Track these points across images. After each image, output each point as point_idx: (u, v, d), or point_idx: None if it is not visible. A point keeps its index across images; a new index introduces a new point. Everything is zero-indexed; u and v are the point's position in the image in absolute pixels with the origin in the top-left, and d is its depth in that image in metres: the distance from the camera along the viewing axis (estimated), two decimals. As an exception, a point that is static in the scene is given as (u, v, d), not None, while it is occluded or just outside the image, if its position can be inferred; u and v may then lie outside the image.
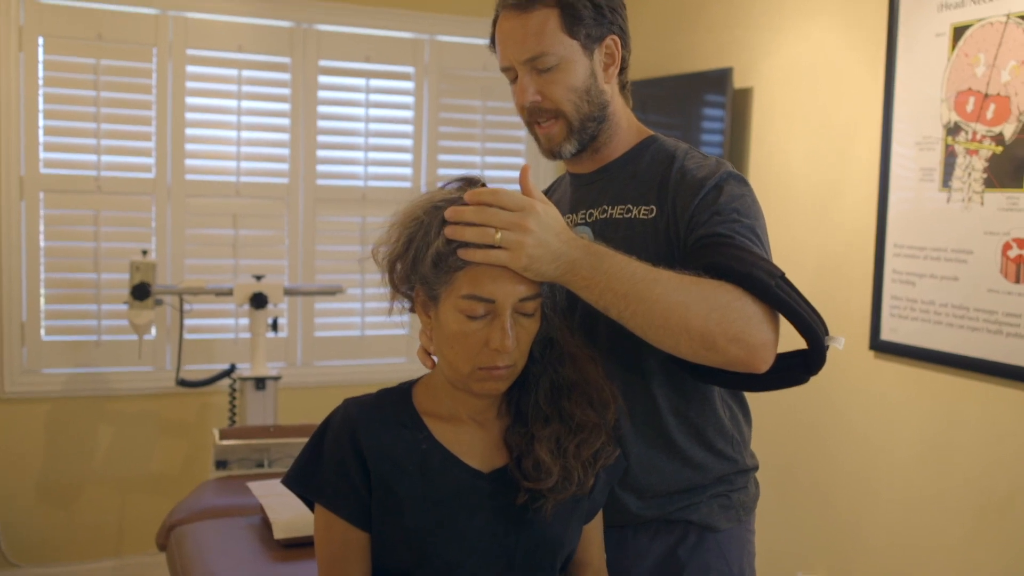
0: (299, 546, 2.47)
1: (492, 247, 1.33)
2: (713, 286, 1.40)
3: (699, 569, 1.63)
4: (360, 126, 4.26)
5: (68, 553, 3.88)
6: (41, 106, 3.75)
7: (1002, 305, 2.63)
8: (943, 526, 2.83)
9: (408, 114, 4.32)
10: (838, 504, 3.20)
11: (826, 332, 1.44)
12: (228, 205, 4.04)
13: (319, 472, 1.42)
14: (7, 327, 3.73)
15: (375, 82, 4.26)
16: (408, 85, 4.31)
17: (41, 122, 3.76)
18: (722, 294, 1.39)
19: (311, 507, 1.47)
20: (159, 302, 3.64)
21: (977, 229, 2.70)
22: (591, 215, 1.66)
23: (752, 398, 1.75)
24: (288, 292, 3.76)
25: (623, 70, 1.67)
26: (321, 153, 4.18)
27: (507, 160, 4.51)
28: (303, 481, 1.45)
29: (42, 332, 3.82)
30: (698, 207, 1.52)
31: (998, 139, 2.64)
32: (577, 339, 1.50)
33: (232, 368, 3.75)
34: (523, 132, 4.43)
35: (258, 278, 3.63)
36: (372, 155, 4.28)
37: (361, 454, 1.40)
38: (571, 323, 1.55)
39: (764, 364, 1.41)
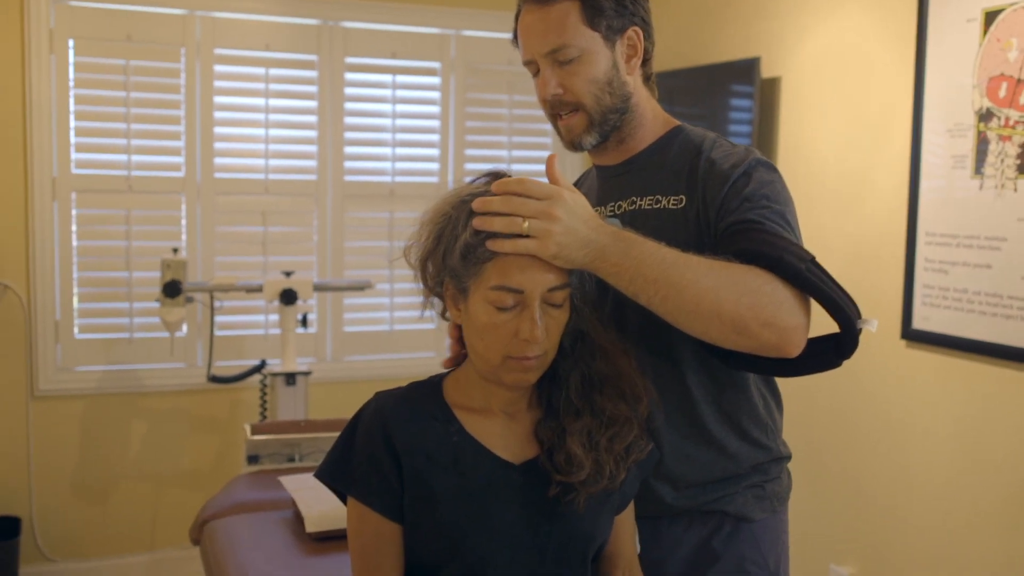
0: (331, 539, 2.48)
1: (521, 236, 1.33)
2: (744, 271, 1.40)
3: (734, 560, 1.62)
4: (387, 122, 4.26)
5: (102, 548, 3.92)
6: (72, 107, 3.79)
7: (1037, 293, 2.60)
8: (977, 516, 2.80)
9: (435, 109, 4.32)
10: (870, 495, 3.18)
11: (858, 315, 1.43)
12: (257, 202, 4.06)
13: (351, 465, 1.43)
14: (41, 326, 3.78)
15: (401, 78, 4.26)
16: (435, 80, 4.31)
17: (72, 123, 3.79)
18: (753, 278, 1.39)
19: (344, 500, 1.47)
20: (190, 299, 3.67)
21: (1010, 216, 2.67)
22: (620, 207, 1.66)
23: (783, 385, 1.74)
24: (317, 288, 3.77)
25: (647, 61, 1.66)
26: (349, 150, 4.20)
27: (534, 154, 4.50)
28: (336, 474, 1.45)
29: (75, 330, 3.86)
30: (727, 195, 1.52)
31: (1031, 125, 2.61)
32: (609, 332, 1.50)
33: (263, 364, 3.77)
34: (549, 126, 4.40)
35: (287, 274, 3.65)
36: (399, 151, 4.29)
37: (393, 447, 1.40)
38: (602, 315, 1.55)
39: (796, 348, 1.41)
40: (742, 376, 1.62)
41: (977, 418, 2.81)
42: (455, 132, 4.34)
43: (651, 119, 1.68)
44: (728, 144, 1.62)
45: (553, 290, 1.36)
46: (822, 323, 1.47)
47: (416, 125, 4.33)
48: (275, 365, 3.72)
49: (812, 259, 1.43)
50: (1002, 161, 2.69)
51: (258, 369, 3.76)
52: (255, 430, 3.21)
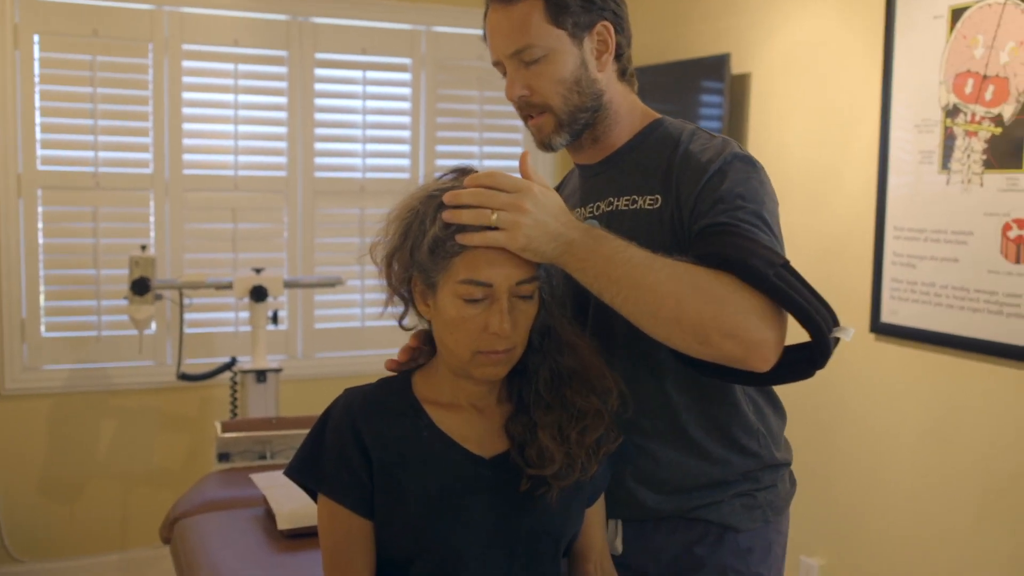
0: (303, 536, 2.47)
1: (490, 228, 1.32)
2: (711, 277, 1.35)
3: (716, 569, 1.57)
4: (358, 118, 4.25)
5: (72, 548, 3.88)
6: (38, 103, 3.74)
7: (1002, 286, 2.63)
8: (946, 506, 2.83)
9: (405, 105, 4.31)
10: (840, 487, 3.20)
11: (833, 324, 1.37)
12: (227, 199, 4.04)
13: (321, 462, 1.42)
14: (7, 325, 3.73)
15: (372, 74, 4.25)
16: (405, 77, 4.30)
17: (38, 119, 3.75)
18: (719, 286, 1.34)
19: (314, 497, 1.47)
20: (159, 297, 3.64)
21: (977, 210, 2.70)
22: (598, 208, 1.62)
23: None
24: (288, 285, 3.75)
25: (620, 56, 1.61)
26: (319, 146, 4.18)
27: (505, 150, 4.50)
28: (305, 471, 1.45)
29: (42, 329, 3.82)
30: (700, 194, 1.46)
31: (997, 120, 2.64)
32: (575, 328, 1.50)
33: (233, 361, 3.75)
34: (520, 121, 4.40)
35: (258, 271, 3.63)
36: (370, 147, 4.28)
37: (363, 443, 1.40)
38: (585, 317, 1.55)
39: (764, 363, 1.35)
40: (728, 384, 1.55)
41: (944, 410, 2.84)
42: (426, 128, 4.33)
43: (627, 115, 1.63)
44: (706, 136, 1.57)
45: (522, 283, 1.36)
46: (799, 331, 1.42)
47: (387, 121, 4.32)
48: (245, 362, 3.70)
49: (784, 264, 1.36)
50: (968, 156, 2.72)
51: (228, 367, 3.73)
52: (226, 428, 3.19)
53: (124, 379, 3.92)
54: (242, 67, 4.02)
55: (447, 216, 1.34)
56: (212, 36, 3.96)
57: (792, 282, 1.35)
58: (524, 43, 1.53)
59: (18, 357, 3.77)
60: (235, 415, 3.67)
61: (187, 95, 3.94)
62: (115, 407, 3.93)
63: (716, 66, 3.58)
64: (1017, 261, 2.59)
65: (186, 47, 3.92)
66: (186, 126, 3.95)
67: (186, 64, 3.93)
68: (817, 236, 3.25)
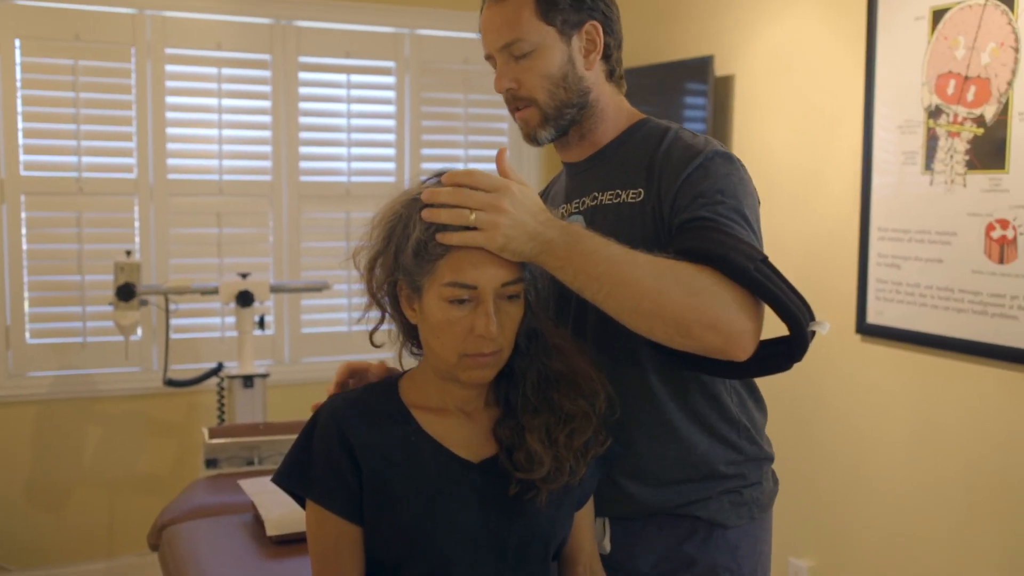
0: (292, 543, 2.46)
1: (468, 228, 1.32)
2: (691, 271, 1.38)
3: (707, 566, 1.59)
4: (342, 122, 4.24)
5: (58, 555, 3.86)
6: (20, 108, 3.73)
7: (986, 286, 2.65)
8: (933, 506, 2.85)
9: (390, 109, 4.31)
10: (828, 488, 3.22)
11: (811, 317, 1.40)
12: (211, 204, 4.03)
13: (309, 468, 1.42)
14: (-9, 331, 3.72)
15: (356, 77, 4.24)
16: (389, 80, 4.30)
17: (20, 124, 3.73)
18: (700, 279, 1.37)
19: (302, 503, 1.46)
20: (144, 302, 3.63)
21: (960, 211, 2.71)
22: (583, 203, 1.65)
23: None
24: (274, 289, 3.74)
25: (610, 56, 1.64)
26: (304, 150, 4.17)
27: (491, 152, 4.50)
28: (293, 478, 1.44)
29: (27, 335, 3.80)
30: (681, 189, 1.50)
31: (979, 121, 2.66)
32: (562, 331, 1.51)
33: (220, 367, 3.74)
34: (506, 124, 4.43)
35: (244, 276, 3.62)
36: (355, 151, 4.27)
37: (350, 448, 1.39)
38: (566, 314, 1.56)
39: (743, 352, 1.38)
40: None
41: (930, 410, 2.85)
42: (411, 131, 4.32)
43: (614, 114, 1.66)
44: (689, 135, 1.60)
45: (507, 285, 1.36)
46: (776, 325, 1.46)
47: (371, 125, 4.32)
48: (232, 368, 3.69)
49: (763, 258, 1.40)
50: (951, 157, 2.74)
51: (215, 372, 3.72)
52: (213, 434, 3.18)
53: (110, 385, 3.91)
54: (226, 71, 4.01)
55: (426, 214, 1.34)
56: (195, 40, 3.95)
57: (771, 276, 1.39)
58: (514, 37, 1.57)
59: (2, 364, 3.75)
60: (222, 421, 3.66)
61: (170, 99, 3.93)
62: (101, 413, 3.91)
63: (700, 68, 3.60)
64: (1001, 261, 2.61)
65: (169, 51, 3.91)
66: (170, 130, 3.94)
67: (169, 68, 3.92)
68: (802, 237, 3.27)
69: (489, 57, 1.64)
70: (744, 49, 3.52)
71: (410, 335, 1.49)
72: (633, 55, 4.00)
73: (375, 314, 1.49)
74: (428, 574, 1.39)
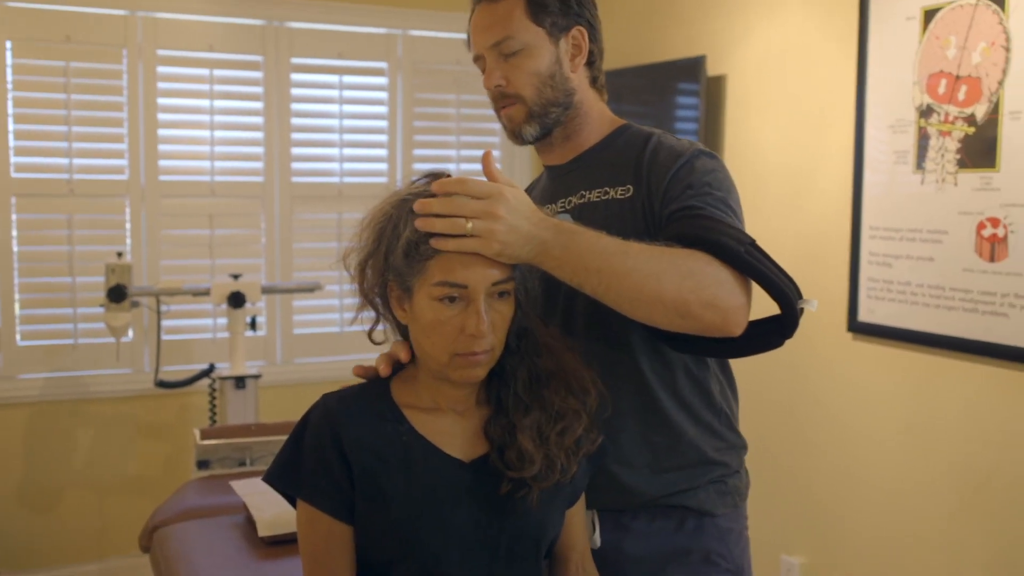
0: (284, 543, 2.46)
1: (464, 236, 1.33)
2: (684, 254, 1.43)
3: (701, 553, 1.64)
4: (334, 123, 4.24)
5: (50, 558, 3.85)
6: (11, 110, 3.71)
7: (977, 284, 2.65)
8: (924, 504, 2.85)
9: (382, 110, 4.31)
10: (818, 485, 3.22)
11: (799, 296, 1.46)
12: (203, 205, 4.02)
13: (300, 468, 1.42)
14: (-18, 333, 3.70)
15: (348, 78, 4.24)
16: (382, 81, 4.30)
17: (11, 126, 3.72)
18: (693, 262, 1.42)
19: (293, 503, 1.46)
20: (136, 304, 3.62)
21: (951, 209, 2.72)
22: (570, 202, 1.69)
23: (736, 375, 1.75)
24: (266, 290, 3.74)
25: (593, 63, 1.71)
26: (296, 151, 4.17)
27: (482, 154, 4.50)
28: (284, 477, 1.44)
29: (17, 337, 3.79)
30: (670, 183, 1.56)
31: (970, 120, 2.66)
32: (551, 329, 1.52)
33: (211, 368, 3.73)
34: (498, 125, 4.39)
35: (235, 277, 3.62)
36: (347, 151, 4.27)
37: (342, 448, 1.39)
38: (555, 309, 1.57)
39: (738, 327, 1.44)
40: (698, 362, 1.64)
41: (921, 407, 2.86)
42: (403, 132, 4.32)
43: (597, 119, 1.73)
44: (673, 138, 1.67)
45: (498, 284, 1.36)
46: (765, 306, 1.50)
47: (363, 126, 4.31)
48: (224, 369, 3.68)
49: (751, 242, 1.47)
50: (942, 156, 2.74)
51: (207, 373, 3.71)
52: (205, 435, 3.17)
53: (101, 387, 3.89)
54: (217, 72, 4.01)
55: (420, 224, 1.34)
56: (187, 41, 3.95)
57: (760, 257, 1.46)
58: (504, 35, 1.63)
59: (-7, 366, 3.74)
60: (214, 422, 3.65)
61: (162, 101, 3.92)
62: (92, 415, 3.90)
63: (692, 68, 3.60)
64: (991, 259, 2.61)
65: (161, 52, 3.90)
66: (161, 132, 3.93)
67: (161, 70, 3.91)
68: (794, 236, 3.27)
69: (478, 58, 1.69)
70: (736, 49, 3.53)
71: (406, 334, 1.49)
72: (625, 55, 4.01)
73: (369, 314, 1.49)
74: (420, 573, 1.39)
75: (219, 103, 4.02)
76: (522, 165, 4.42)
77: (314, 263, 4.21)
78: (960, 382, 2.74)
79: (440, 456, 1.42)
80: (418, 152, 4.36)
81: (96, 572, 3.90)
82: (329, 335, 4.27)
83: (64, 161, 3.80)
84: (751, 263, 1.44)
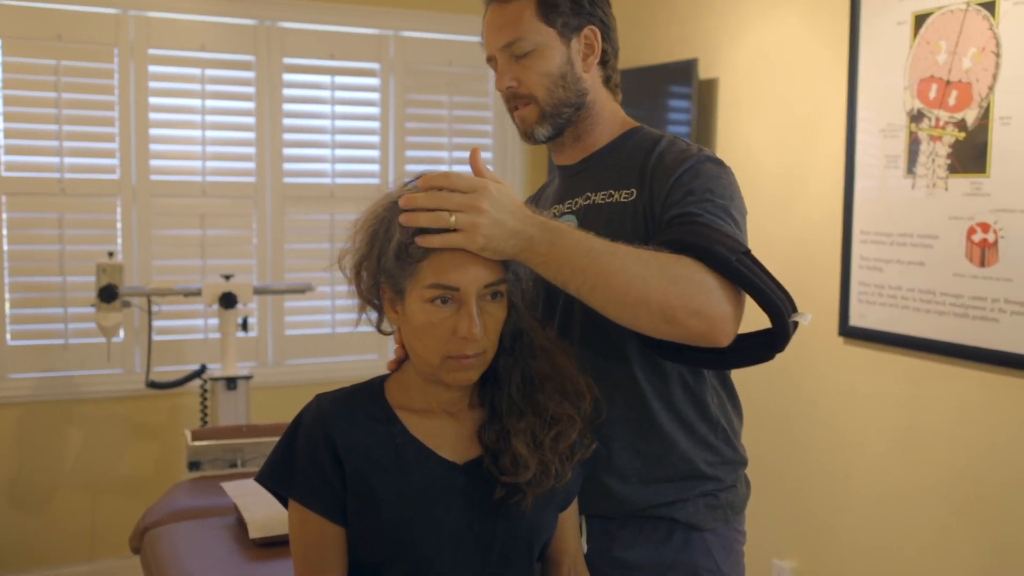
0: (275, 545, 2.46)
1: (448, 230, 1.33)
2: (673, 260, 1.41)
3: (688, 568, 1.61)
4: (326, 123, 4.24)
5: (40, 559, 3.84)
6: (1, 108, 3.70)
7: (968, 289, 2.66)
8: (915, 508, 2.86)
9: (374, 110, 4.31)
10: (810, 489, 3.23)
11: (793, 309, 1.43)
12: (195, 205, 4.01)
13: (293, 468, 1.42)
14: (-28, 333, 3.69)
15: (340, 79, 4.24)
16: (374, 82, 4.30)
17: (1, 125, 3.71)
18: (681, 268, 1.40)
19: (285, 503, 1.46)
20: (127, 304, 3.61)
21: (942, 214, 2.73)
22: (576, 203, 1.68)
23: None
24: (257, 291, 3.73)
25: (606, 63, 1.70)
26: (288, 151, 4.16)
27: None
28: (276, 477, 1.44)
29: (7, 337, 3.78)
30: (672, 188, 1.54)
31: (960, 125, 2.67)
32: (548, 331, 1.51)
33: (203, 369, 3.73)
34: (490, 127, 4.43)
35: (227, 278, 3.61)
36: (339, 152, 4.27)
37: (335, 449, 1.39)
38: (553, 313, 1.57)
39: (725, 337, 1.41)
40: (695, 373, 1.62)
41: (912, 412, 2.87)
42: (395, 133, 4.32)
43: (609, 119, 1.72)
44: (683, 143, 1.65)
45: (489, 286, 1.36)
46: (757, 318, 1.48)
47: (356, 126, 4.31)
48: (215, 370, 3.68)
49: (745, 251, 1.44)
50: (933, 161, 2.75)
51: (198, 374, 3.71)
52: (196, 436, 3.17)
53: (92, 387, 3.88)
54: (209, 72, 4.00)
55: (404, 220, 1.34)
56: (179, 41, 3.94)
57: (753, 268, 1.43)
58: (515, 36, 1.62)
59: (-17, 366, 3.73)
60: (205, 423, 3.64)
61: (154, 100, 3.92)
62: (83, 416, 3.89)
63: (684, 71, 3.61)
64: (982, 264, 2.62)
65: (152, 52, 3.90)
66: (153, 131, 3.92)
67: (152, 69, 3.91)
68: (785, 240, 3.28)
69: (491, 59, 1.68)
70: (728, 52, 3.54)
71: None
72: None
73: (372, 314, 1.49)
74: (411, 575, 1.39)
75: (211, 103, 4.02)
76: (514, 165, 4.42)
77: (306, 264, 4.20)
78: (951, 387, 2.75)
79: (433, 458, 1.42)
80: (410, 153, 4.36)
81: (87, 573, 3.89)
82: (321, 336, 4.27)
83: (55, 160, 3.79)
84: (742, 272, 1.41)
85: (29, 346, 3.81)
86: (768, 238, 3.30)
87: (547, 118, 1.66)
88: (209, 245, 4.04)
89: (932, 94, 2.76)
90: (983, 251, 2.62)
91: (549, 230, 1.39)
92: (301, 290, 3.86)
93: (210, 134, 4.03)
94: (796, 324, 1.43)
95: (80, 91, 3.82)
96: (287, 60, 4.13)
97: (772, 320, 1.43)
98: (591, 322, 1.55)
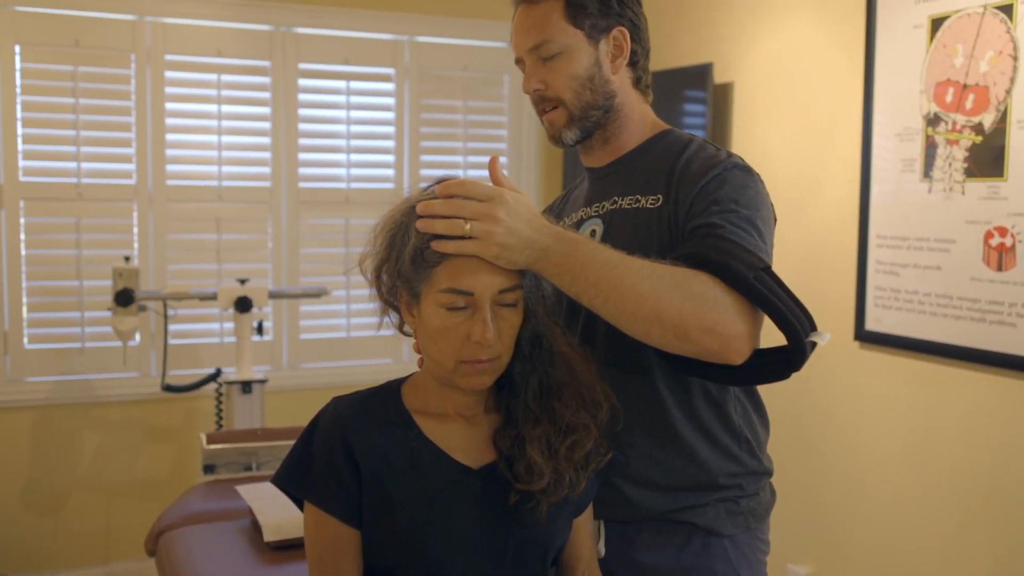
0: (289, 548, 2.46)
1: (463, 238, 1.33)
2: (689, 275, 1.38)
3: (706, 574, 1.59)
4: (341, 128, 4.25)
5: (56, 561, 3.85)
6: (19, 114, 3.73)
7: (985, 293, 2.65)
8: (930, 513, 2.85)
9: (389, 115, 4.32)
10: (826, 495, 3.22)
11: (812, 328, 1.40)
12: (210, 210, 4.03)
13: (309, 470, 1.42)
14: (-10, 336, 3.72)
15: (355, 84, 4.25)
16: (389, 87, 4.31)
17: (20, 130, 3.74)
18: (697, 284, 1.37)
19: (300, 506, 1.46)
20: (143, 308, 3.63)
21: (959, 218, 2.72)
22: (603, 207, 1.66)
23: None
24: (273, 295, 3.74)
25: (635, 64, 1.68)
26: (303, 156, 4.18)
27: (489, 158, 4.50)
28: (292, 480, 1.44)
29: (25, 341, 3.80)
30: (697, 196, 1.51)
31: (977, 129, 2.66)
32: (568, 337, 1.50)
33: (218, 372, 3.74)
34: (505, 131, 4.43)
35: (242, 282, 3.62)
36: (354, 157, 4.28)
37: (351, 452, 1.39)
38: (576, 322, 1.55)
39: (739, 356, 1.38)
40: (718, 385, 1.59)
41: (928, 417, 2.85)
42: (410, 138, 4.33)
43: (639, 121, 1.69)
44: (712, 148, 1.62)
45: (504, 292, 1.36)
46: (777, 335, 1.43)
47: (371, 131, 4.32)
48: (230, 373, 3.69)
49: (765, 268, 1.40)
50: (950, 165, 2.74)
51: (213, 378, 3.72)
52: (211, 439, 3.18)
53: (108, 391, 3.90)
54: (225, 77, 4.02)
55: (420, 225, 1.34)
56: (195, 46, 3.96)
57: (771, 285, 1.39)
58: (542, 38, 1.60)
59: (1, 369, 3.74)
60: (220, 426, 3.66)
61: (170, 105, 3.94)
62: (99, 419, 3.91)
63: (699, 75, 3.60)
64: (999, 268, 2.61)
65: (169, 57, 3.92)
66: (169, 136, 3.95)
67: (169, 75, 3.93)
68: (801, 244, 3.27)
69: (519, 61, 1.67)
70: (743, 57, 3.53)
71: None
72: (632, 62, 4.02)
73: (387, 318, 1.49)
74: (425, 578, 1.39)
75: (227, 108, 4.03)
76: (529, 171, 4.42)
77: (321, 268, 4.21)
78: (967, 391, 2.73)
79: (448, 462, 1.42)
80: (425, 158, 4.37)
81: (102, 575, 3.91)
82: (336, 340, 4.28)
83: (72, 165, 3.81)
84: (759, 290, 1.37)
85: (46, 350, 3.84)
86: (784, 242, 3.27)
87: (575, 122, 1.64)
88: (225, 249, 4.05)
89: (949, 98, 2.74)
90: (1000, 255, 2.61)
91: (564, 241, 1.38)
92: (316, 294, 3.87)
93: (226, 139, 4.04)
94: (814, 344, 1.40)
95: (97, 96, 3.84)
96: (302, 65, 4.14)
97: (788, 338, 1.40)
98: (615, 330, 1.50)
